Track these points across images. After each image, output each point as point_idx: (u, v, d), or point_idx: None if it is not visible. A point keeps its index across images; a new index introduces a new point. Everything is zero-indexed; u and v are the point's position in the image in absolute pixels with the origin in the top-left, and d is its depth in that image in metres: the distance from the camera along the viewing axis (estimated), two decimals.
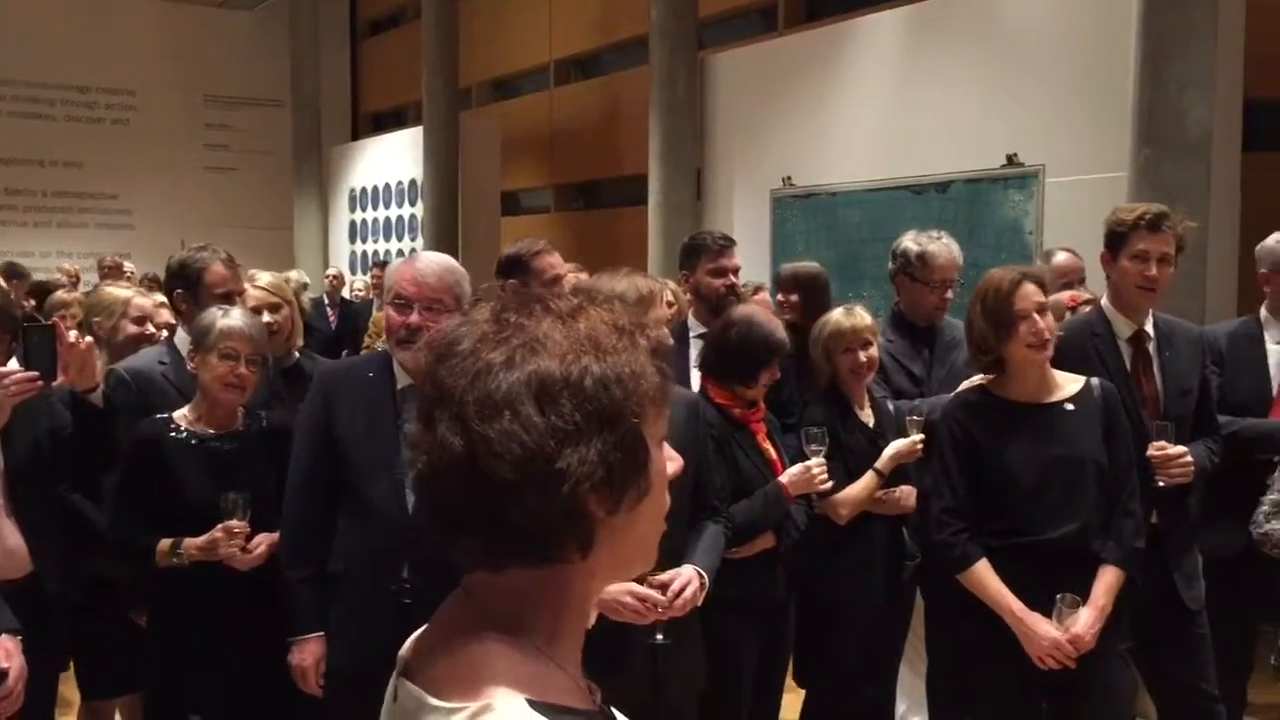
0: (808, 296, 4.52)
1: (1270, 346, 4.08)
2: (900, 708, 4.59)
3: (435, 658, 1.03)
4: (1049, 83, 6.14)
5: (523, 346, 1.00)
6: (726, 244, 4.13)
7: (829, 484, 3.31)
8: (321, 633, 2.75)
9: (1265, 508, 2.66)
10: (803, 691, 3.77)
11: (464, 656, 1.01)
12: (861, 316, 3.59)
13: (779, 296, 4.80)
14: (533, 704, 0.96)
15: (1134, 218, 3.30)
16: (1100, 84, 5.73)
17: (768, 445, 3.35)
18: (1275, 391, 3.97)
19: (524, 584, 1.03)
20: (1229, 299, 5.27)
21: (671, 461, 1.09)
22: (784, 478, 3.26)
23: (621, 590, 2.66)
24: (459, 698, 0.98)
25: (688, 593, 2.69)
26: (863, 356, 3.53)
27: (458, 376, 1.00)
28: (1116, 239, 3.34)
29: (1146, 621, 3.19)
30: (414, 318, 2.63)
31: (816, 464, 3.28)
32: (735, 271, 4.08)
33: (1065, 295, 4.30)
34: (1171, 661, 3.34)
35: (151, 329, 3.76)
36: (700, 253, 4.11)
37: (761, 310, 3.54)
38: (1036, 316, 2.93)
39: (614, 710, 1.11)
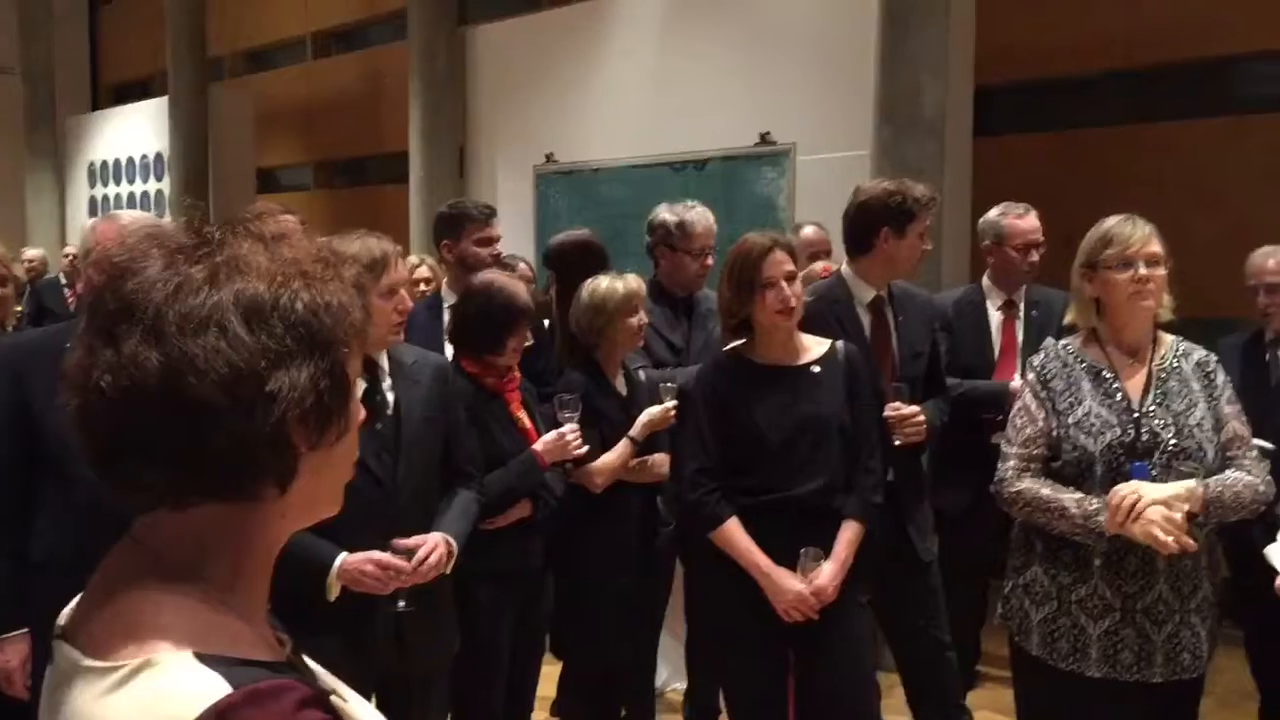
0: (574, 269, 4.48)
1: (992, 313, 4.37)
2: (662, 675, 4.66)
3: (93, 614, 0.93)
4: (800, 64, 6.34)
5: (226, 264, 0.93)
6: (491, 213, 4.09)
7: (583, 449, 3.30)
8: (26, 629, 2.54)
9: (1012, 463, 2.76)
10: (560, 662, 3.77)
11: (125, 610, 0.91)
12: (633, 281, 3.60)
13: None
14: (201, 658, 0.87)
15: (928, 199, 3.45)
16: (846, 66, 5.96)
17: (522, 414, 3.30)
18: (997, 354, 4.25)
19: (206, 525, 0.94)
20: (962, 271, 5.58)
21: (361, 410, 1.03)
22: (538, 445, 3.23)
23: (362, 559, 2.58)
24: (117, 655, 0.88)
25: (433, 559, 2.63)
26: (635, 322, 3.54)
27: (151, 290, 0.91)
28: (905, 216, 3.43)
29: (884, 573, 3.33)
30: None
31: (570, 430, 3.26)
32: (497, 241, 4.03)
33: (819, 266, 4.45)
34: (907, 611, 3.50)
35: None
36: (465, 222, 4.04)
37: (503, 276, 3.48)
38: (784, 284, 2.99)
39: (311, 663, 1.03)
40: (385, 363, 2.78)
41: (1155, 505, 2.48)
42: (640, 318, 3.57)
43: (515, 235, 7.78)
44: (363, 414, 1.04)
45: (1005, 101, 6.63)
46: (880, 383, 3.33)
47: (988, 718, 4.10)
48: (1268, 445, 3.22)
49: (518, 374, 3.34)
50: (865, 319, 3.50)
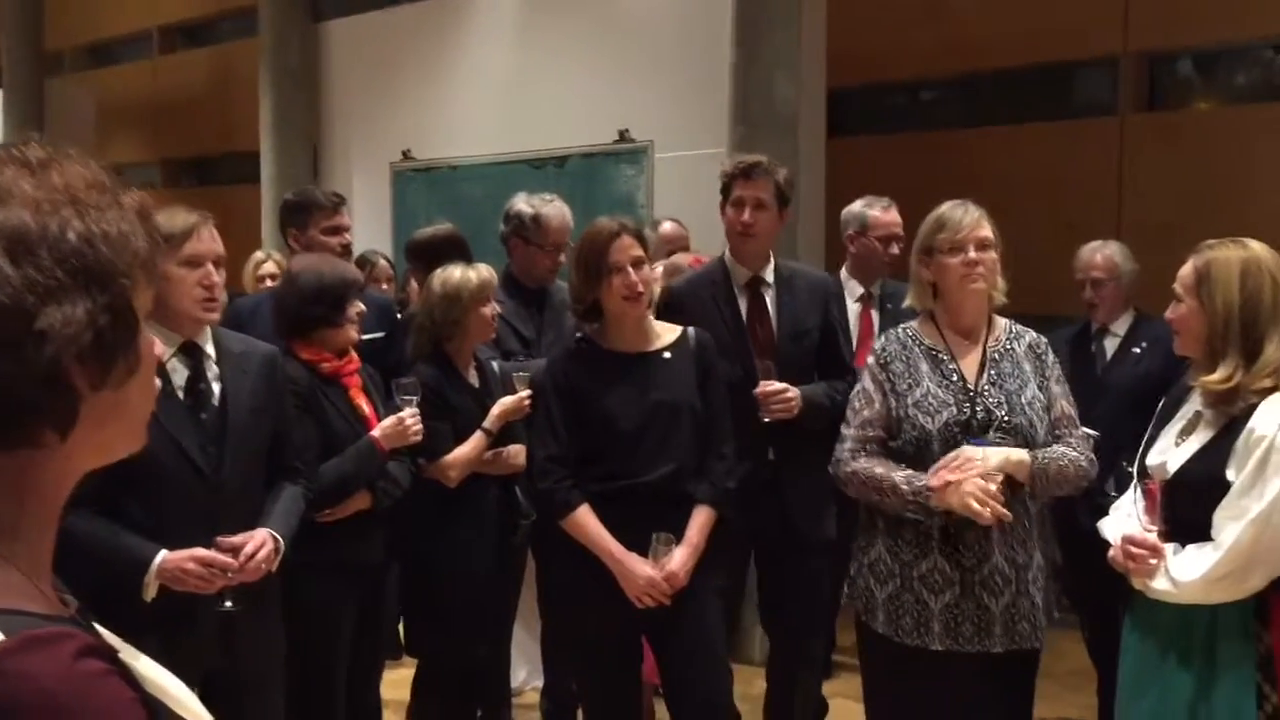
0: (434, 264, 4.39)
1: (850, 304, 4.44)
2: (520, 674, 4.61)
3: None
4: (657, 62, 6.38)
5: None
6: (339, 201, 3.99)
7: (421, 434, 3.23)
8: None
9: (848, 444, 2.82)
10: (415, 661, 3.69)
11: None
12: (485, 271, 3.55)
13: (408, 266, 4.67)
14: None
15: (733, 168, 3.52)
16: (702, 65, 6.02)
17: (362, 401, 3.22)
18: (855, 345, 4.33)
19: None
20: (817, 267, 5.66)
21: (155, 345, 0.97)
22: (375, 431, 3.15)
23: (184, 557, 2.46)
24: None
25: (260, 555, 2.54)
26: (488, 312, 3.48)
27: None
28: (724, 189, 3.54)
29: (763, 556, 3.35)
30: None
31: (409, 414, 3.19)
32: (347, 230, 3.92)
33: (689, 258, 4.49)
34: (788, 593, 3.52)
35: None
36: (313, 210, 3.93)
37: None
38: (631, 269, 2.98)
39: (99, 625, 0.97)
40: (211, 350, 2.67)
41: (973, 478, 2.55)
42: (493, 308, 3.53)
43: (372, 233, 7.64)
44: (159, 349, 0.98)
45: (857, 103, 6.79)
46: (751, 362, 3.35)
47: (844, 705, 4.16)
48: (1092, 433, 3.35)
49: (356, 358, 3.25)
50: (743, 300, 3.52)
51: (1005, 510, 2.56)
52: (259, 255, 5.29)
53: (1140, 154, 5.71)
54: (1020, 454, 2.65)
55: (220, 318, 2.70)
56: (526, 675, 4.64)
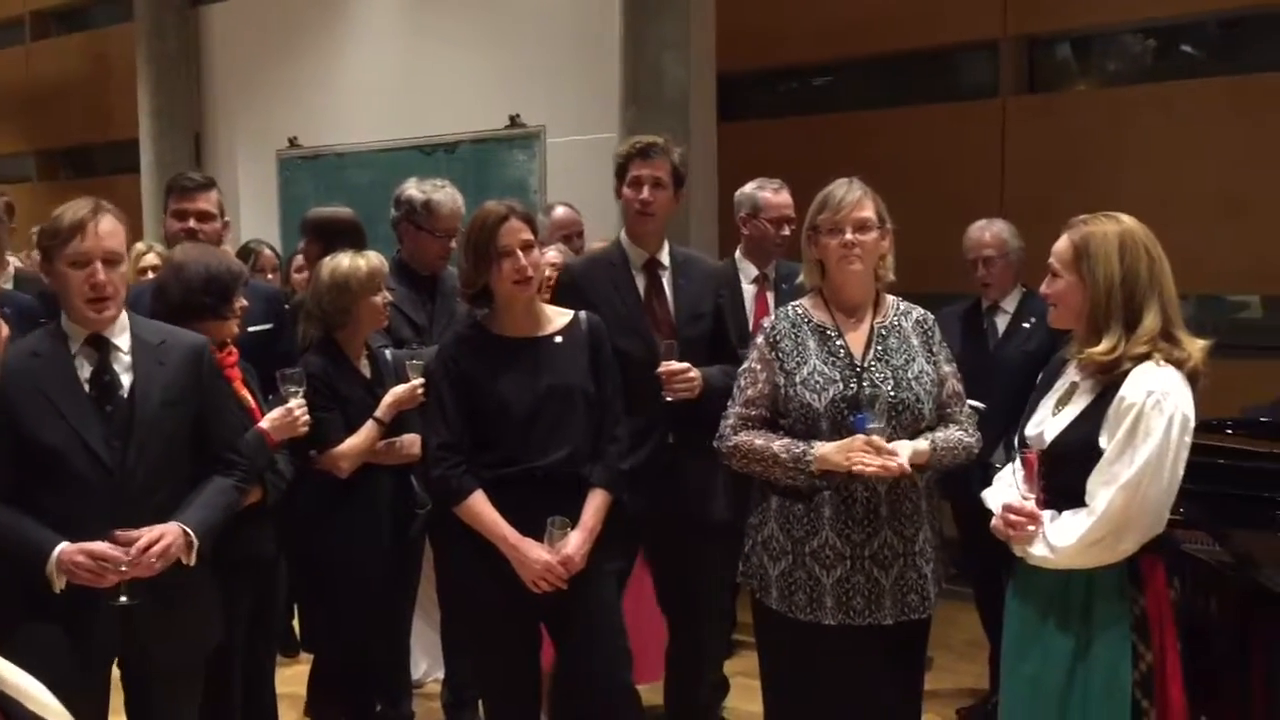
0: (332, 244, 4.30)
1: (746, 286, 4.48)
2: (421, 666, 4.57)
3: None
4: (547, 47, 6.35)
5: None
6: (195, 184, 3.78)
7: (309, 425, 3.17)
8: None
9: (730, 420, 2.86)
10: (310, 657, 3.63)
11: None
12: (375, 258, 3.48)
13: (301, 244, 4.55)
14: None
15: (628, 148, 3.48)
16: (592, 49, 6.01)
17: (245, 393, 3.15)
18: (751, 326, 4.36)
19: None
20: (710, 249, 5.73)
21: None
22: (264, 423, 3.08)
23: (75, 550, 2.40)
24: None
25: (157, 549, 2.47)
26: (379, 300, 3.43)
27: None
28: (620, 170, 3.50)
29: (657, 539, 3.35)
30: None
31: (297, 405, 3.13)
32: (199, 216, 3.72)
33: (598, 245, 4.48)
34: (684, 574, 3.54)
35: None
36: (169, 193, 3.79)
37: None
38: (520, 253, 2.96)
39: None
40: (125, 341, 2.61)
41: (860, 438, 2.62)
42: (384, 296, 3.48)
43: (259, 222, 7.48)
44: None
45: (747, 86, 6.84)
46: (651, 342, 3.34)
47: (744, 684, 4.20)
48: (979, 405, 3.43)
49: (235, 351, 3.18)
50: (641, 281, 3.51)
51: (894, 463, 2.61)
52: (140, 246, 5.12)
53: (1021, 134, 5.86)
54: (921, 445, 2.71)
55: (114, 315, 2.61)
56: (428, 667, 4.60)
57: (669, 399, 3.32)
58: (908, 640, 2.85)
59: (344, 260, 3.45)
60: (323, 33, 7.45)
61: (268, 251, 5.42)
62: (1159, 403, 2.37)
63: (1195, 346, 2.47)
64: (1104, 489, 2.40)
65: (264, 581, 3.18)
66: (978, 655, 4.60)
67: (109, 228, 2.56)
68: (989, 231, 4.33)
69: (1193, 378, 2.45)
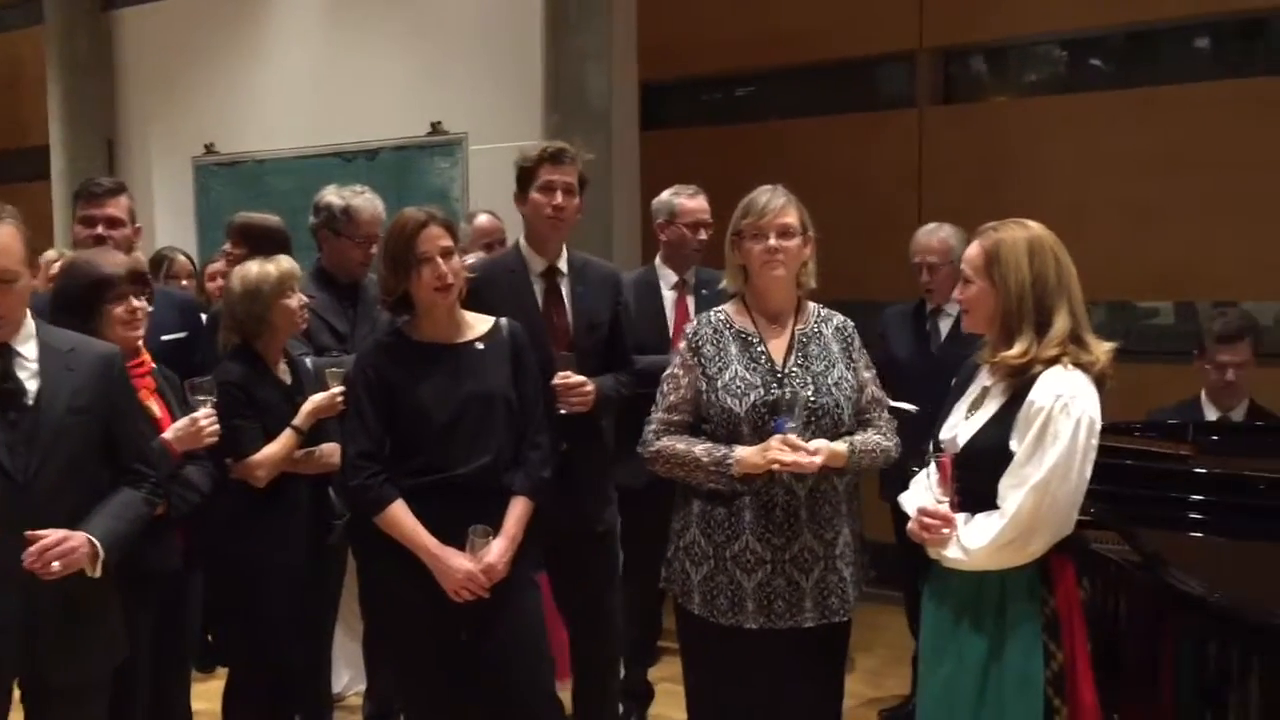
0: (259, 250, 4.23)
1: (665, 292, 4.49)
2: (342, 679, 4.51)
3: None
4: (469, 54, 6.33)
5: None
6: (101, 189, 3.73)
7: (216, 436, 3.12)
8: None
9: (654, 426, 2.88)
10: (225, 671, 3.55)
11: None
12: (285, 262, 3.43)
13: (226, 247, 4.47)
14: None
15: (538, 153, 3.45)
16: (515, 57, 6.00)
17: (153, 403, 3.08)
18: (671, 332, 4.38)
19: None
20: (634, 257, 5.74)
21: None
22: (167, 433, 3.02)
23: None
24: None
25: (59, 549, 2.42)
26: (293, 303, 3.38)
27: None
28: (525, 175, 3.46)
29: (561, 544, 3.35)
30: None
31: (204, 415, 3.08)
32: (108, 222, 3.67)
33: None
34: (580, 581, 3.54)
35: None
36: (77, 198, 3.72)
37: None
38: (440, 260, 2.94)
39: None
40: (31, 349, 2.57)
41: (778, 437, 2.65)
42: (299, 298, 3.43)
43: (174, 229, 7.34)
44: None
45: (669, 95, 6.87)
46: (549, 351, 3.33)
47: (669, 689, 4.21)
48: (911, 408, 3.48)
49: (148, 359, 3.11)
50: (539, 288, 3.50)
51: (811, 459, 2.64)
52: (50, 254, 4.98)
53: (938, 144, 5.96)
54: (839, 447, 2.75)
55: (10, 333, 2.55)
56: (350, 679, 4.54)
57: (563, 411, 3.33)
58: (829, 642, 2.88)
59: (253, 267, 3.40)
60: (241, 38, 7.34)
61: (182, 258, 5.32)
62: (1066, 406, 2.43)
63: (1102, 350, 2.53)
64: (1014, 491, 2.44)
65: (169, 595, 3.11)
66: (905, 658, 4.65)
67: (10, 239, 2.49)
68: (936, 237, 4.37)
69: (1100, 380, 2.51)
